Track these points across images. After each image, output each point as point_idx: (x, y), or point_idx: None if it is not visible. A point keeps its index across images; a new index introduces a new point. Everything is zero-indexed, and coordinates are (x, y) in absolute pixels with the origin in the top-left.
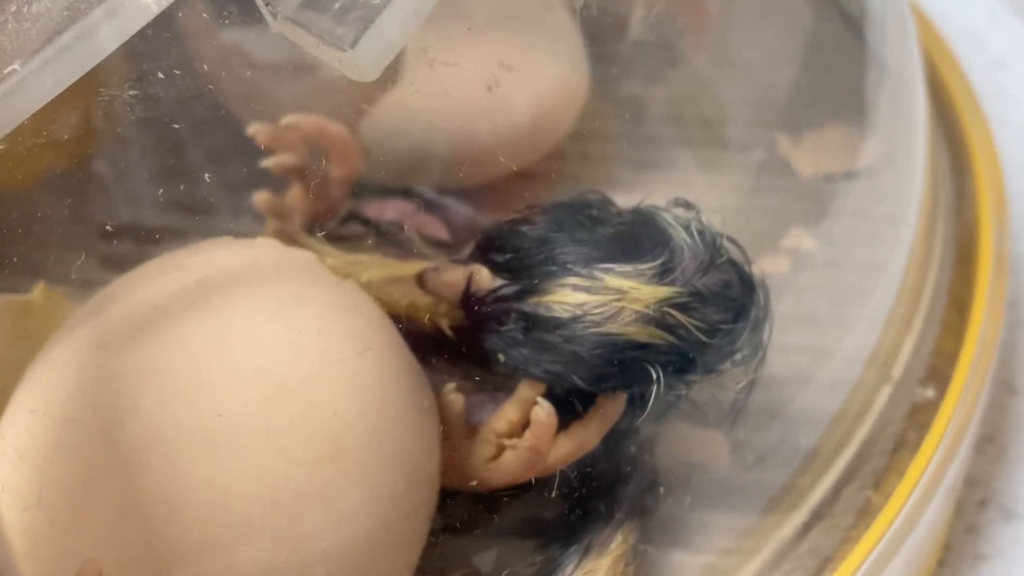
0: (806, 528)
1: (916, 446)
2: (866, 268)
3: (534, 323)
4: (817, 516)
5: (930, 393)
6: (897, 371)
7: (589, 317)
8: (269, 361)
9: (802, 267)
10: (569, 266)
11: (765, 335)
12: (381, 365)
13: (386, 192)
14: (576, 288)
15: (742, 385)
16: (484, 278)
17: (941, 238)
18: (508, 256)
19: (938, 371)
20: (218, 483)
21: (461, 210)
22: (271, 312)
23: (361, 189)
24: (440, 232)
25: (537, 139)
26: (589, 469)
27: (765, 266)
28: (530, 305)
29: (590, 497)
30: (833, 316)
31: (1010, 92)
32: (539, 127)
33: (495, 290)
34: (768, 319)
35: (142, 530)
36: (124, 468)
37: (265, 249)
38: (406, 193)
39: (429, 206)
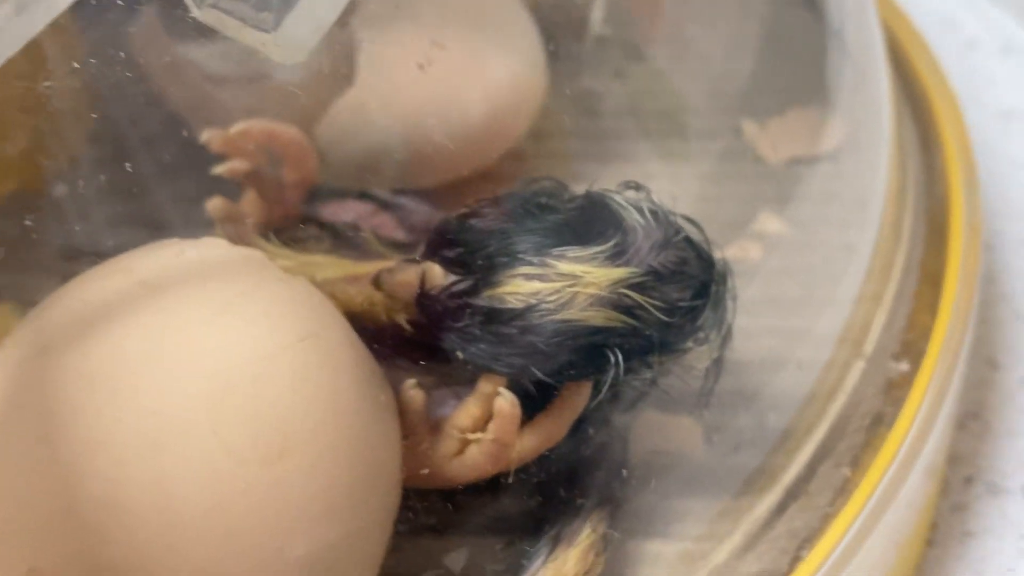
0: (780, 508)
1: (892, 421)
2: (836, 249)
3: (490, 317)
4: (792, 495)
5: (904, 367)
6: (869, 347)
7: (544, 305)
8: (215, 359)
9: (771, 251)
10: (520, 255)
11: (728, 312)
12: (332, 360)
13: (342, 195)
14: (528, 277)
15: (708, 364)
16: (436, 275)
17: (911, 214)
18: (459, 251)
19: (912, 345)
20: (163, 485)
21: (419, 209)
22: (217, 310)
23: (317, 193)
24: (398, 232)
25: (493, 136)
26: (554, 460)
27: (736, 252)
28: (484, 299)
29: (557, 488)
30: (803, 298)
31: (982, 72)
32: (495, 124)
33: (448, 287)
34: (730, 295)
35: (85, 537)
36: (66, 475)
37: (212, 248)
38: (362, 195)
39: (386, 207)
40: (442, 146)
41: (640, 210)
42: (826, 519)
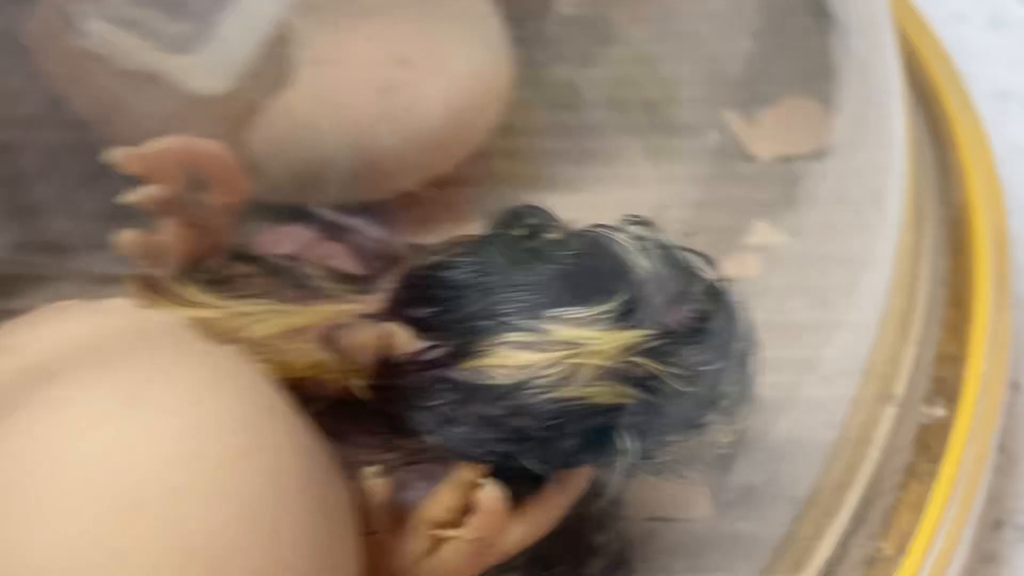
0: None
1: (929, 479)
2: (847, 263)
3: (470, 394)
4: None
5: (940, 412)
6: (899, 387)
7: (537, 381)
8: (123, 468)
9: (773, 266)
10: (507, 318)
11: (751, 370)
12: (269, 459)
13: (280, 218)
14: (518, 346)
15: (730, 437)
16: (404, 339)
17: (931, 222)
18: (431, 310)
19: (945, 383)
20: None
21: (372, 233)
22: (124, 403)
23: (249, 215)
24: (348, 263)
25: (454, 138)
26: (545, 550)
27: (731, 269)
28: (463, 372)
29: None
30: (815, 322)
31: (970, 46)
32: (456, 124)
33: (418, 354)
34: (753, 349)
35: None
36: None
37: (116, 316)
38: (304, 218)
39: (333, 232)
40: (395, 151)
41: (649, 254)
42: None
